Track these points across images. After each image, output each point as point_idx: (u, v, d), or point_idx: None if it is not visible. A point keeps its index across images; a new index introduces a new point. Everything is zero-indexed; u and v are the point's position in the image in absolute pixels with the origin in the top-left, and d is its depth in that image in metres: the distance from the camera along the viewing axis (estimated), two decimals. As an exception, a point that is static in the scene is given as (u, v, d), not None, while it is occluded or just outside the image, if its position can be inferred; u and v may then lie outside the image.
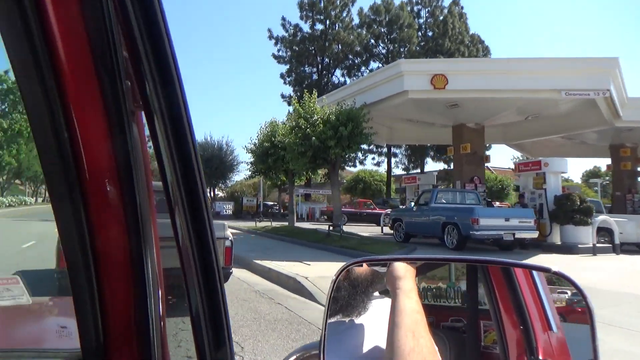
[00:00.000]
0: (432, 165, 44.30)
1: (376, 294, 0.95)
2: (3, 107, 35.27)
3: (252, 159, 20.82)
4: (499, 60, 17.39)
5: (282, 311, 6.27)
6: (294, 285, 7.86)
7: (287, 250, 12.67)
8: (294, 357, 0.97)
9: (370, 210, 27.55)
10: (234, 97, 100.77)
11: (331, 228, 14.81)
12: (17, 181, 64.69)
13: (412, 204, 16.03)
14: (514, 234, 12.84)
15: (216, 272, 0.68)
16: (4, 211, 33.43)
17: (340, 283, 0.94)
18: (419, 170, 40.48)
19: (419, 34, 42.85)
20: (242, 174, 35.53)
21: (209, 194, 35.79)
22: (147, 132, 0.68)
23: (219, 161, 32.20)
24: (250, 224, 21.75)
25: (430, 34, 42.92)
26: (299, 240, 14.89)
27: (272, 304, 6.70)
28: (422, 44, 42.25)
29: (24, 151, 37.05)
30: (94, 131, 0.65)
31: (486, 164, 21.91)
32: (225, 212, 31.74)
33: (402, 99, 15.35)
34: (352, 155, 16.48)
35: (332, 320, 0.91)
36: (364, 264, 0.99)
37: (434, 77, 14.56)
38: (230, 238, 6.01)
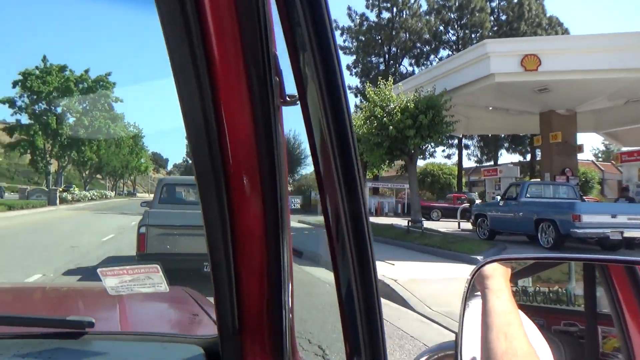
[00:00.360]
0: (507, 157, 41.85)
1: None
2: (84, 105, 37.29)
3: (322, 152, 20.10)
4: (602, 36, 15.35)
5: (377, 320, 5.54)
6: (382, 289, 7.09)
7: (365, 248, 11.91)
8: (427, 355, 0.90)
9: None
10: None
11: (410, 224, 13.89)
12: (98, 176, 68.95)
13: (498, 198, 14.72)
14: (622, 233, 11.29)
15: (372, 266, 0.67)
16: (86, 204, 35.32)
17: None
18: (492, 163, 38.31)
19: (492, 18, 40.38)
20: (309, 167, 35.24)
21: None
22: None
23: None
24: (320, 218, 21.12)
25: (504, 17, 40.31)
26: (376, 237, 14.10)
27: (363, 310, 5.98)
28: (495, 28, 39.77)
29: (103, 147, 38.91)
30: (243, 128, 0.67)
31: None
32: (293, 206, 31.62)
33: (487, 83, 14.07)
34: (431, 145, 15.42)
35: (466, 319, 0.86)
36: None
37: (525, 57, 13.17)
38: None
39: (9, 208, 22.68)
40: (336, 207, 0.66)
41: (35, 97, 33.02)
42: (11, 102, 33.33)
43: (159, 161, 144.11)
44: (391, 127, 13.44)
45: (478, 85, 14.47)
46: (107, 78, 36.09)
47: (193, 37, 0.59)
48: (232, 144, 0.66)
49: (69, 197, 33.77)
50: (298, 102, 0.66)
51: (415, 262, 9.36)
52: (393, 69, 39.84)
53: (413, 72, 36.73)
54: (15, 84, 32.95)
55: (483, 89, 14.72)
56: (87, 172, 50.12)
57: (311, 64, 0.60)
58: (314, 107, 0.63)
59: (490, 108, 18.24)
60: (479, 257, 8.75)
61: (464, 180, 38.72)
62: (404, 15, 39.88)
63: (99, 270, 1.01)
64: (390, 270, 8.26)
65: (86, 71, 35.26)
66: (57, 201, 29.98)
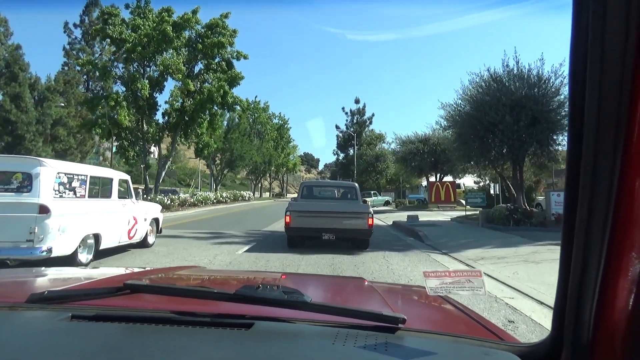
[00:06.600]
0: None
1: None
2: (199, 65, 25.67)
3: None
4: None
5: None
6: None
7: None
8: None
9: None
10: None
11: None
12: (232, 173, 57.44)
13: None
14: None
15: None
16: (196, 212, 23.51)
17: None
18: None
19: None
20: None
21: (516, 173, 19.61)
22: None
23: (536, 109, 15.70)
24: None
25: None
26: None
27: None
28: None
29: (218, 123, 26.56)
30: None
31: None
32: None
33: None
34: None
35: None
36: None
37: None
38: (372, 213, 9.99)
39: None
40: None
41: (120, 49, 21.99)
42: (93, 64, 22.87)
43: (310, 161, 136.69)
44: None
45: None
46: (225, 21, 23.91)
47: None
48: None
49: (170, 201, 22.18)
50: None
51: None
52: None
53: None
54: (96, 32, 22.43)
55: None
56: (215, 167, 39.71)
57: None
58: None
59: None
60: None
61: None
62: None
63: (424, 271, 1.18)
64: None
65: (194, 12, 23.37)
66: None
